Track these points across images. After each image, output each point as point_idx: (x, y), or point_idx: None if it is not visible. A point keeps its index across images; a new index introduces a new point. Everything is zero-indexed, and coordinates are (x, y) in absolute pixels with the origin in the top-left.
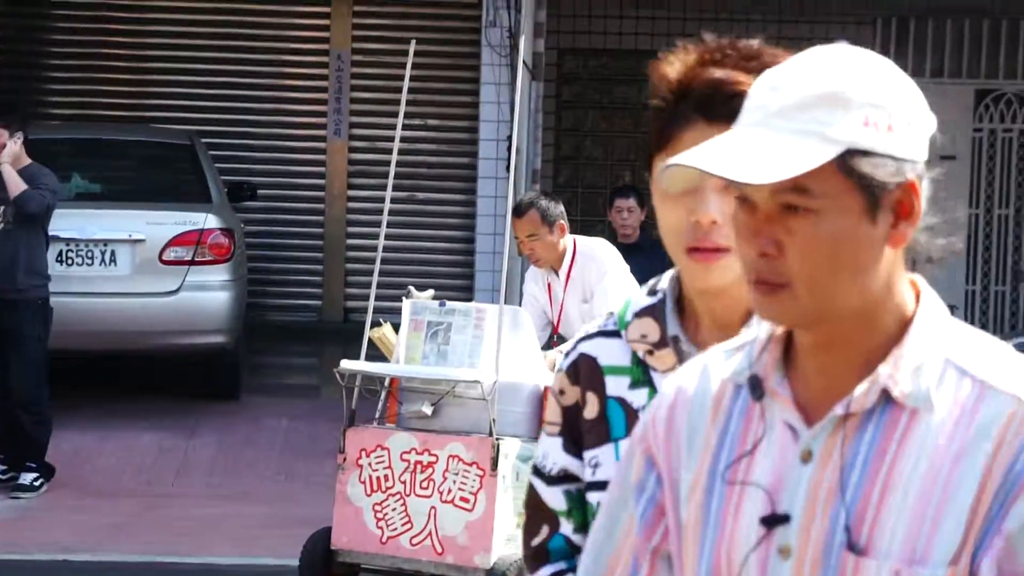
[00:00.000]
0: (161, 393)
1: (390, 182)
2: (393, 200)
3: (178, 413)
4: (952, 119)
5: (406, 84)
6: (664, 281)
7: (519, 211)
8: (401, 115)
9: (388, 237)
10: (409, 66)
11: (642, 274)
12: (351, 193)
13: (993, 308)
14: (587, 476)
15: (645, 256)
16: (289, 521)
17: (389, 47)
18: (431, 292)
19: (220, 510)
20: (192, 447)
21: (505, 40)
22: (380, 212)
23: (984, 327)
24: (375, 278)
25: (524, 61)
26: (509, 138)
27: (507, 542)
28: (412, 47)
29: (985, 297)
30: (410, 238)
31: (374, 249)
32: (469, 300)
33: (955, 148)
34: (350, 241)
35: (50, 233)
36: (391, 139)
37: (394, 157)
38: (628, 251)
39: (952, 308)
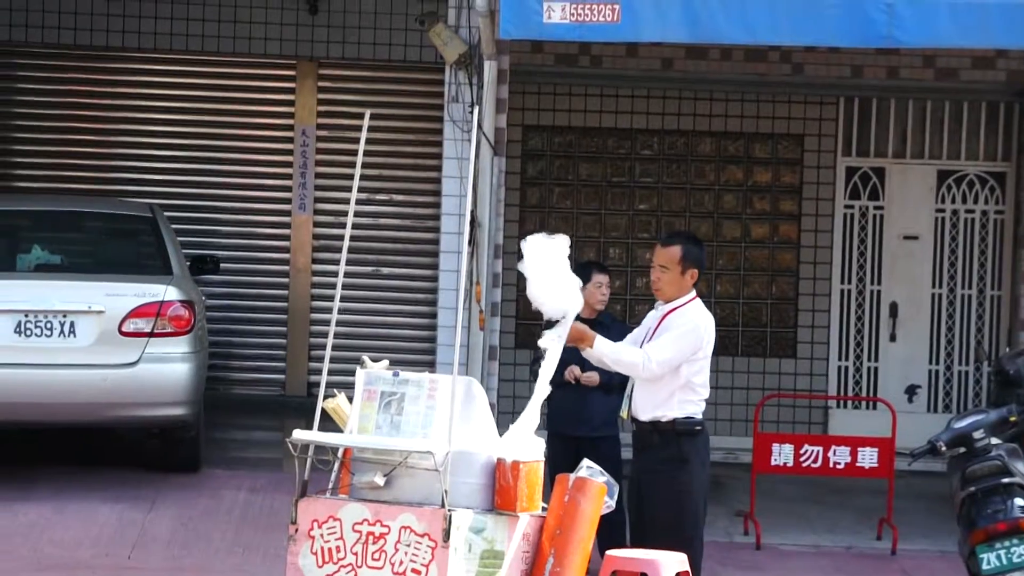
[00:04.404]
0: (120, 465)
1: (344, 254)
2: (358, 275)
3: (137, 485)
4: (915, 199)
5: (360, 153)
6: None
7: (668, 240)
8: (355, 185)
9: (353, 312)
10: (363, 137)
11: None
12: (315, 267)
13: (957, 388)
14: None
15: (606, 330)
16: None
17: (353, 122)
18: (385, 362)
19: None
20: (151, 519)
21: (467, 115)
22: (344, 287)
23: (948, 407)
24: (328, 349)
25: (485, 135)
26: (473, 213)
27: None
28: (367, 118)
29: (948, 377)
30: (375, 312)
31: (338, 323)
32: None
33: (918, 228)
34: (314, 315)
35: (9, 305)
36: (357, 214)
37: (348, 231)
38: (590, 326)
39: (915, 388)
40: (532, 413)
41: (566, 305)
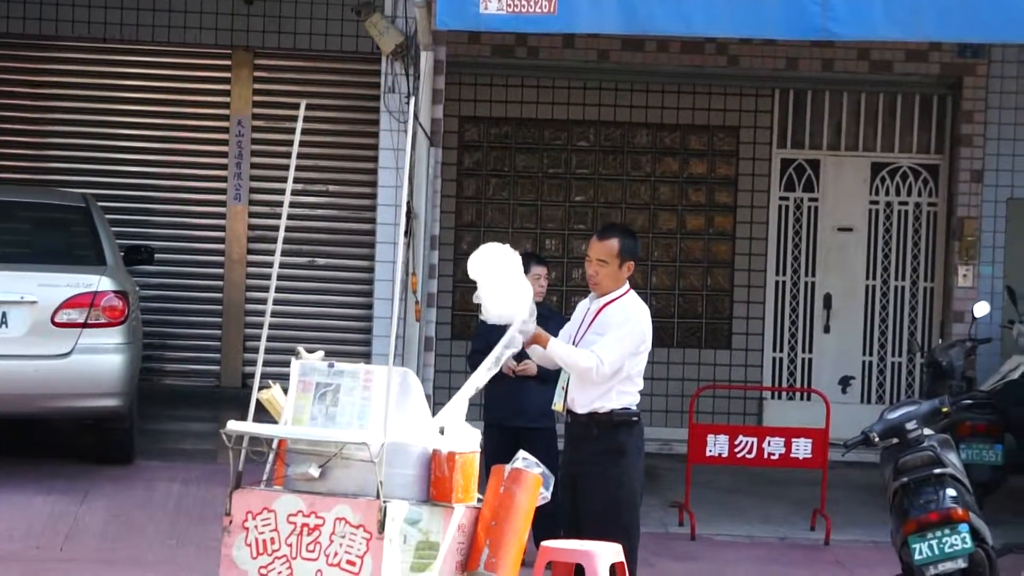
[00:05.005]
0: (53, 457)
1: (279, 245)
2: (293, 265)
3: (70, 477)
4: (849, 191)
5: (296, 144)
6: None
7: (604, 233)
8: (291, 176)
9: (289, 303)
10: (299, 127)
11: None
12: (251, 258)
13: (890, 379)
14: None
15: (545, 322)
16: None
17: (289, 113)
18: (320, 353)
19: (110, 575)
20: (83, 511)
21: (403, 106)
22: (280, 278)
23: (880, 398)
24: (263, 339)
25: (421, 126)
26: (409, 204)
27: None
28: (302, 108)
29: (882, 368)
30: (310, 303)
31: (273, 314)
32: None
33: (852, 220)
34: (249, 306)
35: None
36: (293, 205)
37: (283, 222)
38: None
39: (849, 379)
40: (461, 401)
41: (516, 312)
